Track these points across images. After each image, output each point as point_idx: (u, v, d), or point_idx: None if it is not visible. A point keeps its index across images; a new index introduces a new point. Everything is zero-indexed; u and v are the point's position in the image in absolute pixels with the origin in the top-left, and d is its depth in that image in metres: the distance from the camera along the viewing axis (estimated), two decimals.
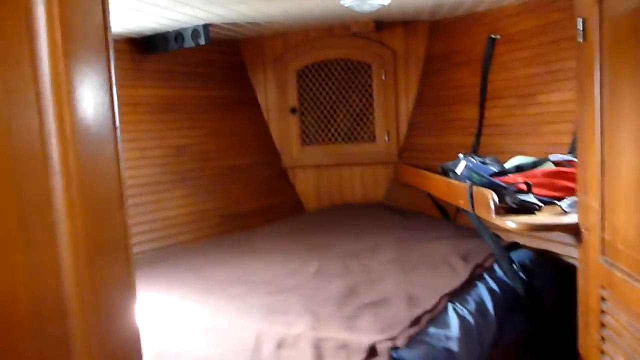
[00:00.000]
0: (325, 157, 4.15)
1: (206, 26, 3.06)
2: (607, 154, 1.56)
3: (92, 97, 0.65)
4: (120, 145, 0.70)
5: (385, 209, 3.78)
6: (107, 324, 0.65)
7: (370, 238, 3.02)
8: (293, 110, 4.11)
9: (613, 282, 1.56)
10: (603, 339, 1.67)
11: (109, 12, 0.69)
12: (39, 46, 0.58)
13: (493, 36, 3.21)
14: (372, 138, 4.08)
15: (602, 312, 1.66)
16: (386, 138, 4.03)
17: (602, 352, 1.68)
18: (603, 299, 1.65)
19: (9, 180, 0.54)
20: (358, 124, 4.10)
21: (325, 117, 4.11)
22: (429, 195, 3.28)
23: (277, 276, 2.52)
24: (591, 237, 1.69)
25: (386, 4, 2.46)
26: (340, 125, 4.11)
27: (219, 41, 3.82)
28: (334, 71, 4.05)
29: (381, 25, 3.80)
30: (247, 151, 4.02)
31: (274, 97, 4.13)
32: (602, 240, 1.63)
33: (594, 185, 1.64)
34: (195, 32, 3.07)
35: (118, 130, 0.70)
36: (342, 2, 2.44)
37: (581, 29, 1.67)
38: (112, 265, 0.68)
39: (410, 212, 3.63)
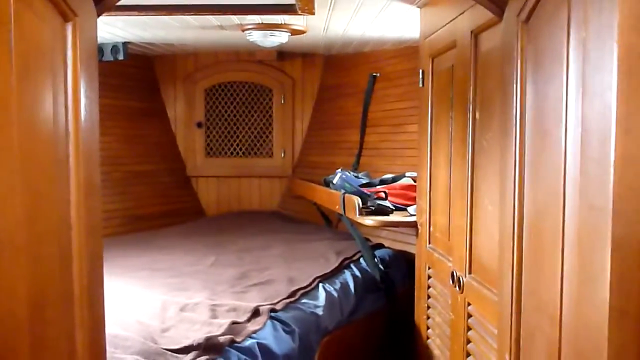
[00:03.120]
0: (226, 169, 4.58)
1: (125, 44, 3.43)
2: (433, 169, 2.16)
3: (90, 96, 1.09)
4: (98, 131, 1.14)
5: (277, 216, 4.27)
6: (93, 237, 1.08)
7: (262, 238, 3.48)
8: (199, 125, 4.52)
9: (434, 261, 2.14)
10: (428, 306, 2.25)
11: (96, 39, 1.14)
12: (67, 73, 1.02)
13: (374, 74, 3.83)
14: (270, 154, 4.57)
15: (428, 286, 2.24)
16: (282, 155, 4.54)
17: (428, 316, 2.26)
18: (429, 276, 2.23)
19: (52, 146, 0.97)
20: (258, 141, 4.58)
21: (228, 132, 4.56)
22: (316, 204, 3.81)
23: (178, 265, 2.90)
24: (423, 231, 2.28)
25: (284, 41, 2.98)
26: (242, 141, 4.57)
27: (133, 56, 4.16)
28: (239, 92, 4.52)
29: (283, 55, 4.33)
30: (154, 159, 4.36)
31: (183, 111, 4.52)
32: (429, 232, 2.21)
33: (425, 192, 2.23)
34: (114, 48, 3.43)
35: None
36: (247, 37, 2.93)
37: (421, 77, 2.27)
38: (94, 202, 1.11)
39: (299, 220, 4.14)
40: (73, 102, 1.04)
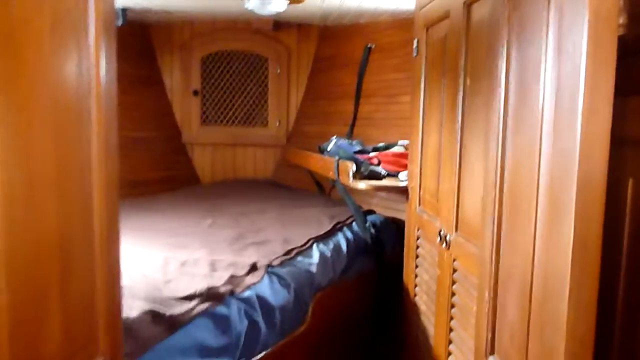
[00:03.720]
0: (222, 137, 4.66)
1: (124, 10, 3.48)
2: (424, 135, 2.26)
3: (109, 56, 1.18)
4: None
5: (272, 184, 4.38)
6: (111, 182, 1.18)
7: (258, 204, 3.59)
8: (195, 93, 4.58)
9: (423, 223, 2.26)
10: (417, 265, 2.38)
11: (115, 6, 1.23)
12: (89, 35, 1.11)
13: (369, 45, 3.90)
14: (265, 123, 4.66)
15: (417, 246, 2.36)
16: (277, 124, 4.63)
17: (416, 275, 2.38)
18: (418, 237, 2.35)
19: (77, 98, 1.07)
20: (253, 110, 4.66)
21: (224, 101, 4.63)
22: (310, 172, 3.92)
23: (177, 227, 3.01)
24: (413, 194, 2.40)
25: (282, 10, 3.05)
26: (237, 110, 4.65)
27: (130, 23, 4.19)
28: (235, 61, 4.58)
29: (279, 25, 4.39)
30: (150, 125, 4.43)
31: (179, 79, 4.58)
32: (419, 196, 2.33)
33: (416, 157, 2.34)
34: None
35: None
36: (245, 6, 2.99)
37: (416, 47, 2.36)
38: (112, 152, 1.21)
39: (293, 188, 4.25)
40: (95, 60, 1.12)
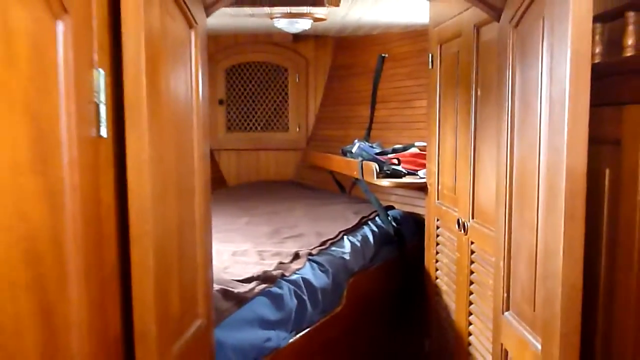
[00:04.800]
0: (245, 143, 5.02)
1: None
2: (441, 137, 2.60)
3: (204, 81, 1.52)
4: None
5: (295, 184, 4.73)
6: (205, 182, 1.52)
7: (285, 203, 3.93)
8: (220, 102, 4.94)
9: (442, 213, 2.60)
10: (437, 252, 2.71)
11: (207, 39, 1.56)
12: (192, 64, 1.45)
13: (383, 55, 4.23)
14: (286, 128, 5.01)
15: (437, 235, 2.69)
16: (297, 129, 4.98)
17: (437, 260, 2.71)
18: (438, 226, 2.69)
19: (185, 116, 1.41)
20: (275, 116, 5.01)
21: (247, 109, 4.98)
22: (331, 173, 4.25)
23: (217, 224, 3.28)
24: (432, 189, 2.73)
25: (307, 28, 3.39)
26: (260, 117, 5.00)
27: None
28: (257, 72, 4.93)
29: (298, 37, 4.73)
30: None
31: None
32: (437, 190, 2.66)
33: (434, 156, 2.67)
34: None
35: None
36: (275, 24, 3.33)
37: (431, 60, 2.69)
38: (206, 156, 1.55)
39: (315, 188, 4.59)
40: (195, 84, 1.47)
